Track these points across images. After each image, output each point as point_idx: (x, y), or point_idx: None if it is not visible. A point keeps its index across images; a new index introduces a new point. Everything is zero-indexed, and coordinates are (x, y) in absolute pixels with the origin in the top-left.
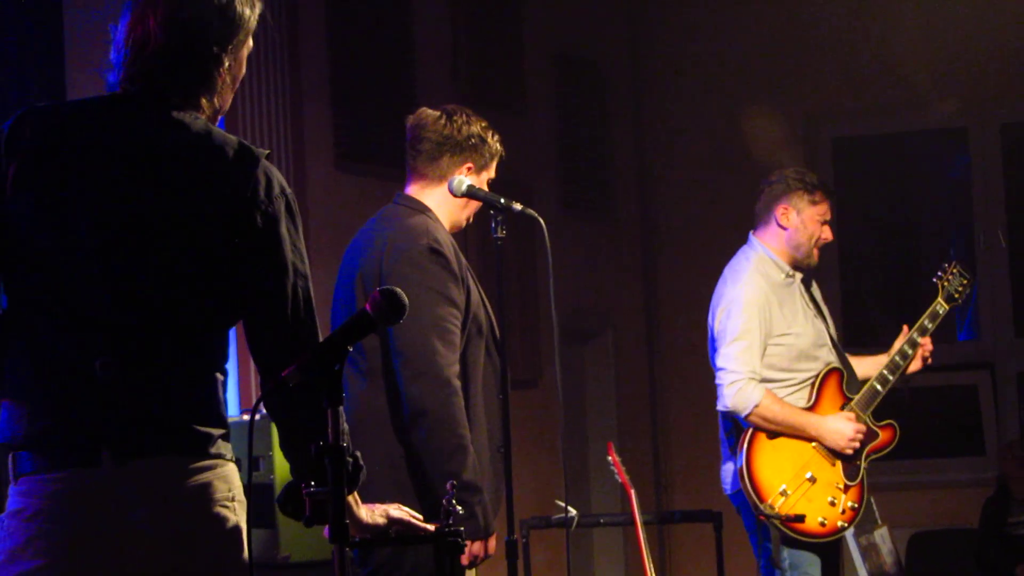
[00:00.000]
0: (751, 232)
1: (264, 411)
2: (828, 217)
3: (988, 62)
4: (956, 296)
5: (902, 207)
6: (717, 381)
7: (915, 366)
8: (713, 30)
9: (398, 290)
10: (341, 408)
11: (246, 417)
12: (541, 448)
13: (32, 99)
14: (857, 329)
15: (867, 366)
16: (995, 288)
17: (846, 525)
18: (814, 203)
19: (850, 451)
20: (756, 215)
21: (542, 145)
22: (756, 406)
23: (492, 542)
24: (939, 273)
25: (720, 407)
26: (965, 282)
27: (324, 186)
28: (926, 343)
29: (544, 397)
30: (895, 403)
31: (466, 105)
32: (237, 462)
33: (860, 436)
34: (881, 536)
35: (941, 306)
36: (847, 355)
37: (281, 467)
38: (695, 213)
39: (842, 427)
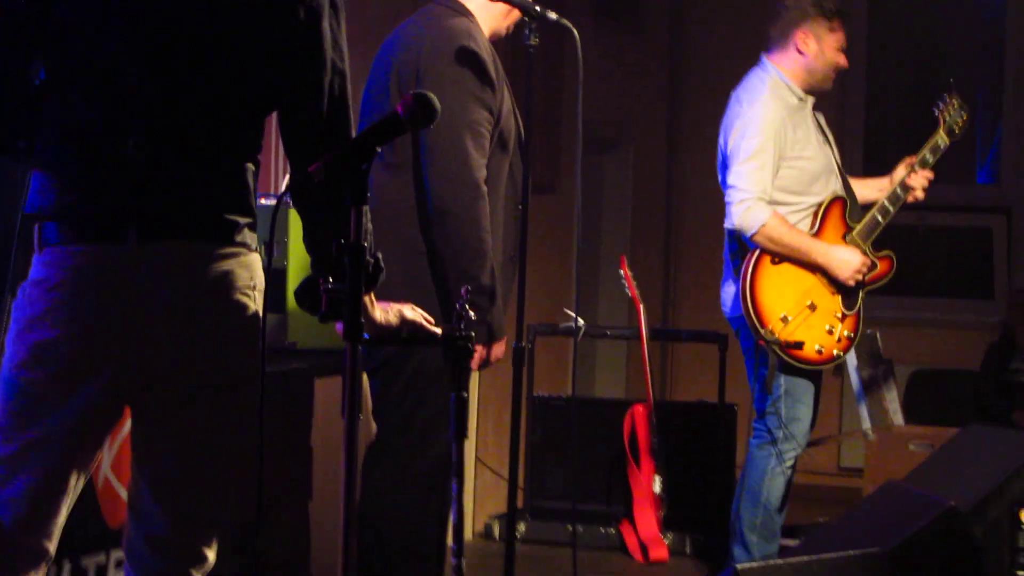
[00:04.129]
0: (763, 55)
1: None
2: (845, 44)
3: None
4: (956, 130)
5: (934, 43)
6: (726, 199)
7: (915, 197)
8: None
9: (431, 95)
10: (365, 207)
11: (264, 201)
12: (554, 254)
13: None
14: (877, 161)
15: (868, 189)
16: (1019, 132)
17: (841, 354)
18: (833, 30)
19: (852, 283)
20: (771, 39)
21: None
22: (763, 225)
23: (500, 346)
24: (939, 104)
25: (727, 225)
26: (965, 116)
27: None
28: (926, 174)
29: (561, 204)
30: (909, 241)
31: None
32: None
33: (864, 269)
34: (883, 372)
35: (942, 139)
36: (849, 178)
37: (296, 254)
38: (725, 30)
39: (850, 257)
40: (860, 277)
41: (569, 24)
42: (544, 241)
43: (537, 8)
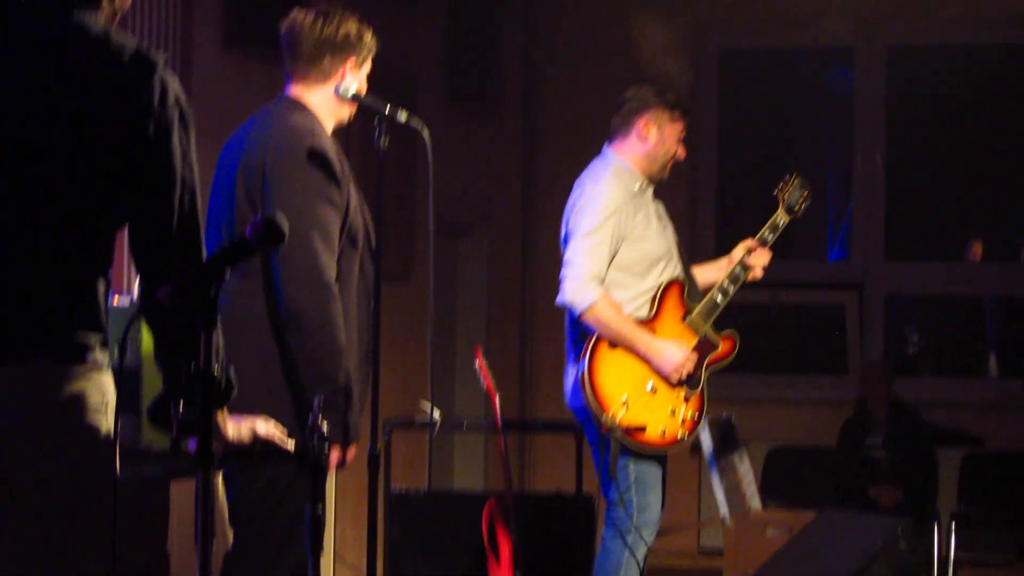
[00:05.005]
0: (606, 144)
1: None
2: (684, 135)
3: None
4: (796, 208)
5: (784, 125)
6: (561, 273)
7: (754, 276)
8: None
9: (279, 217)
10: (215, 332)
11: (117, 302)
12: (409, 343)
13: None
14: (732, 243)
15: (708, 271)
16: (869, 210)
17: (686, 435)
18: (674, 120)
19: (674, 379)
20: (613, 128)
21: (430, 36)
22: (592, 305)
23: (352, 449)
24: (780, 185)
25: (559, 300)
26: (805, 193)
27: (210, 67)
28: (765, 254)
29: (415, 292)
30: (762, 318)
31: None
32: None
33: (690, 366)
34: (738, 455)
35: (782, 218)
36: (690, 264)
37: (150, 356)
38: (579, 115)
39: (673, 354)
40: (681, 375)
41: (419, 125)
42: (399, 330)
43: (387, 108)
